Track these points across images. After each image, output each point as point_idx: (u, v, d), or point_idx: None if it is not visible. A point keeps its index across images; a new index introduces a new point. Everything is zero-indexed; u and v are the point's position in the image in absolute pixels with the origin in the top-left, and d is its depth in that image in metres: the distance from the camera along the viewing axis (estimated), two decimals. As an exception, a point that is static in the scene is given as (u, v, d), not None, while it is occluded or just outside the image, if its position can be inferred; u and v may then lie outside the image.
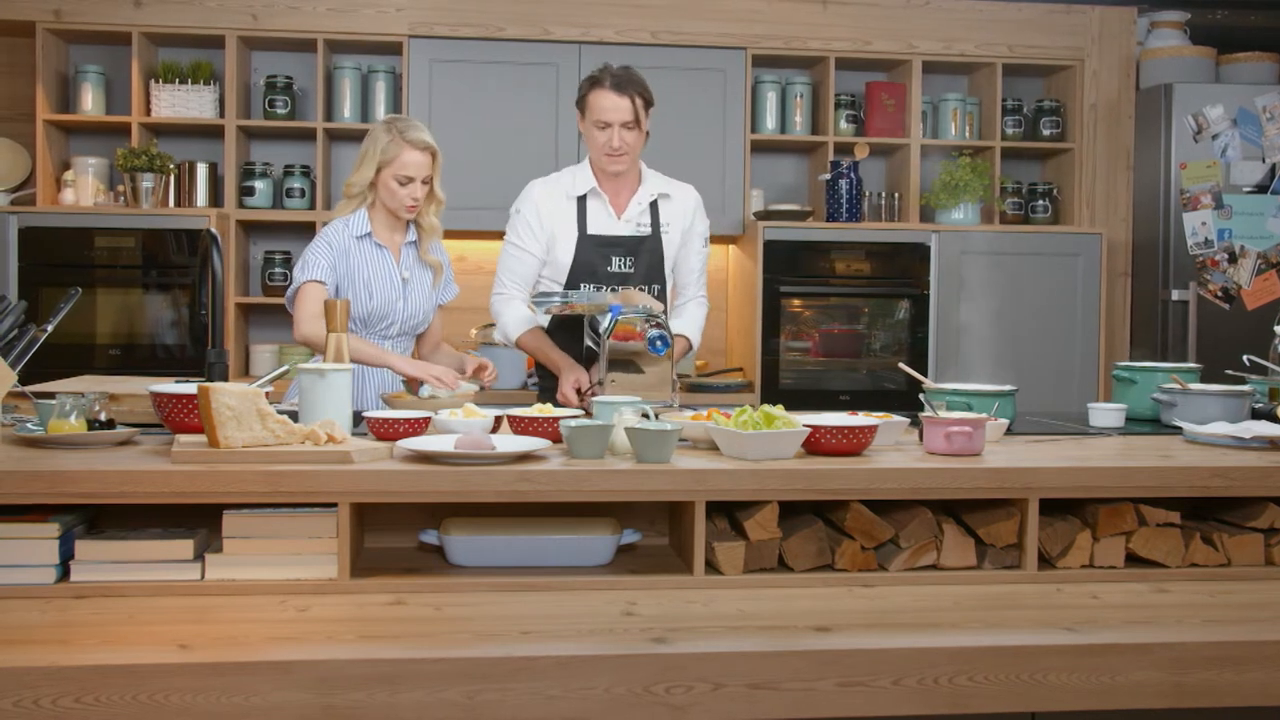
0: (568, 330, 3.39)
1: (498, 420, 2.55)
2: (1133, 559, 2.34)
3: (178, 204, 4.99)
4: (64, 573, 2.08)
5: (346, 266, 3.29)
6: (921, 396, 2.66)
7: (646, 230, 3.41)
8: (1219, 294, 5.10)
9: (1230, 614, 2.08)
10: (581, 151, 4.99)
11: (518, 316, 3.41)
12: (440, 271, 3.47)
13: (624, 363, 2.95)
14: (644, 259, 3.40)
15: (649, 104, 3.32)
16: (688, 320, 3.51)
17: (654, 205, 3.43)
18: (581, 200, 3.39)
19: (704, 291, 3.59)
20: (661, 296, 3.40)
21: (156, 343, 4.83)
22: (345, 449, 2.18)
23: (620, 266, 3.37)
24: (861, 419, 2.47)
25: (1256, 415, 3.00)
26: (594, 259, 3.37)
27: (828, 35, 5.19)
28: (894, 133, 5.32)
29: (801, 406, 3.12)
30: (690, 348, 3.50)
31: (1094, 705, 1.87)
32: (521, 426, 2.49)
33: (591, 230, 3.38)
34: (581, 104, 3.34)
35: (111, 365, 4.71)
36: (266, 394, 2.34)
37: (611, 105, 3.26)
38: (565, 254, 3.38)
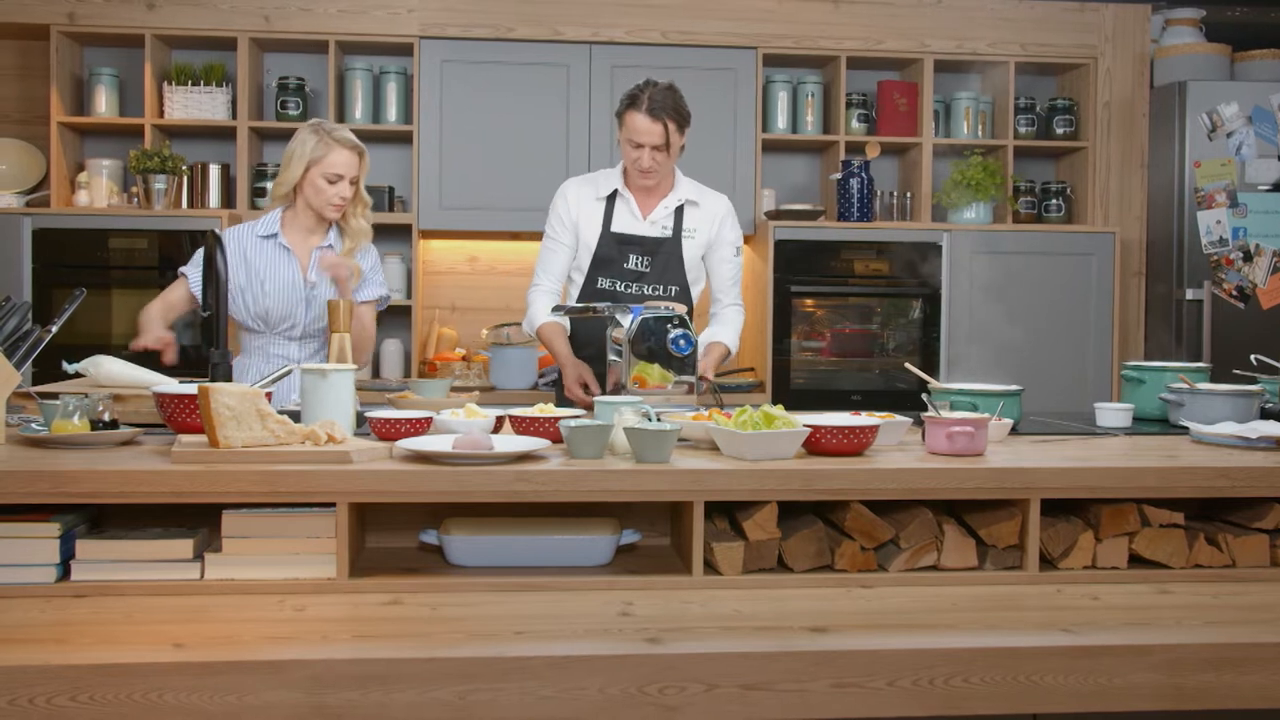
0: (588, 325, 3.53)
1: (499, 420, 2.55)
2: (1137, 560, 2.33)
3: (190, 205, 5.01)
4: (65, 572, 2.09)
5: (245, 265, 3.34)
6: (924, 396, 2.65)
7: (668, 233, 3.51)
8: (1234, 293, 5.07)
9: (1232, 615, 2.07)
10: (592, 150, 5.01)
11: (544, 307, 3.52)
12: (358, 274, 3.41)
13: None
14: (661, 260, 3.50)
15: (683, 125, 3.41)
16: (726, 326, 3.59)
17: (679, 210, 3.52)
18: (610, 199, 3.53)
19: (739, 299, 3.66)
20: (679, 298, 3.49)
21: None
22: (344, 449, 2.19)
23: (638, 265, 3.49)
24: (863, 419, 2.46)
25: (1266, 415, 2.97)
26: (613, 255, 3.50)
27: (839, 34, 5.17)
28: (906, 132, 5.30)
29: (813, 406, 3.12)
30: (729, 353, 3.56)
31: (1091, 707, 1.86)
32: (523, 426, 2.50)
33: (615, 228, 3.51)
34: (619, 118, 3.43)
35: (125, 366, 4.73)
36: (268, 394, 2.35)
37: (645, 129, 3.35)
38: (588, 249, 3.52)
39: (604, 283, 3.50)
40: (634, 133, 3.36)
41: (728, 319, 3.61)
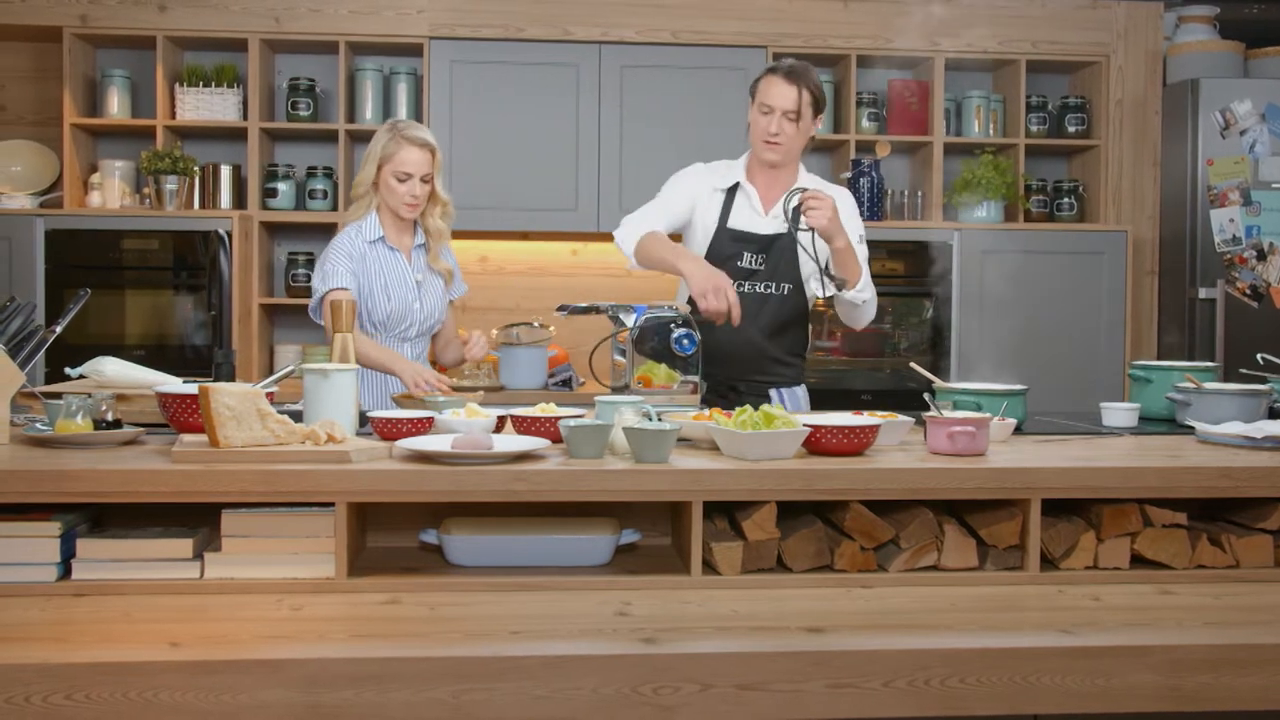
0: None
1: (501, 420, 2.56)
2: (1140, 561, 2.31)
3: (202, 206, 5.03)
4: (66, 571, 2.10)
5: (364, 271, 3.34)
6: (926, 396, 2.64)
7: (784, 228, 3.28)
8: (1247, 292, 5.03)
9: (1233, 616, 2.05)
10: (602, 150, 5.01)
11: (640, 233, 3.28)
12: (451, 277, 3.52)
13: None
14: (775, 256, 3.31)
15: (817, 101, 3.27)
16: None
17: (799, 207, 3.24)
18: (730, 193, 3.36)
19: (870, 283, 3.34)
20: (792, 297, 3.34)
21: (185, 343, 4.85)
22: (344, 449, 2.19)
23: (751, 263, 3.31)
24: (864, 419, 2.45)
25: (1274, 415, 2.95)
26: (727, 251, 3.31)
27: (849, 33, 5.16)
28: (916, 131, 5.28)
29: (824, 406, 3.11)
30: (856, 257, 3.25)
31: (1089, 708, 1.85)
32: (524, 426, 2.50)
33: (732, 224, 3.33)
34: (753, 90, 3.31)
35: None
36: (269, 394, 2.36)
37: (778, 92, 3.21)
38: (703, 242, 3.34)
39: None
40: (766, 96, 3.23)
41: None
